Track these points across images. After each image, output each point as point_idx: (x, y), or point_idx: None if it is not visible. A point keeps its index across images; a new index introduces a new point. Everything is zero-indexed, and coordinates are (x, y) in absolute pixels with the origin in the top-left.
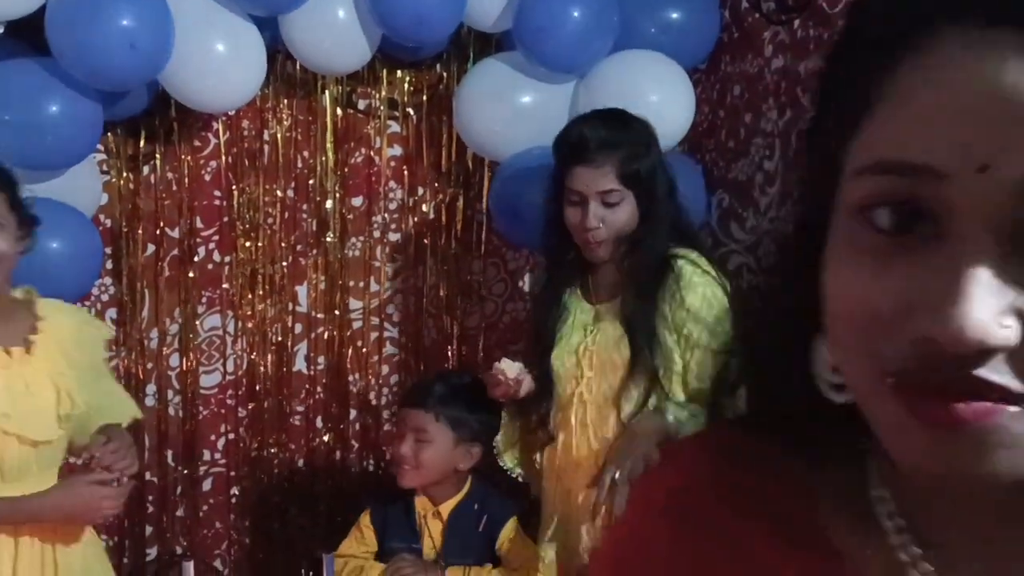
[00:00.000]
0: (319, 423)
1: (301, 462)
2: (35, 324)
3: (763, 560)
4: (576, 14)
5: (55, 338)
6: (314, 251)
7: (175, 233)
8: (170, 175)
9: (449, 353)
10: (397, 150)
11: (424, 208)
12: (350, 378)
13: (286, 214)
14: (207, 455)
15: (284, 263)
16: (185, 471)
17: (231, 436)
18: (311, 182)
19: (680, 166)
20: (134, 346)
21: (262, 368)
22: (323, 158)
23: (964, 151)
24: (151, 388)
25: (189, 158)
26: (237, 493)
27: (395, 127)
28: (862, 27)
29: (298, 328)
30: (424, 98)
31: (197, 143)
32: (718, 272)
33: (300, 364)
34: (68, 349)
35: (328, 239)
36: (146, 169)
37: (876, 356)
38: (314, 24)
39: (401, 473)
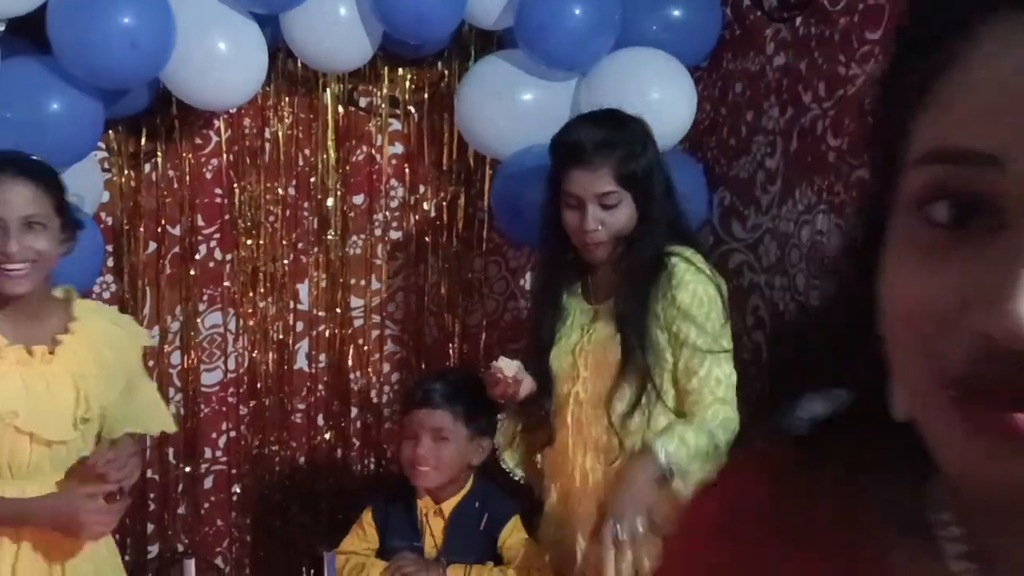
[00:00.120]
0: (320, 421)
1: (302, 460)
2: (68, 324)
3: None
4: (578, 11)
5: (86, 339)
6: (315, 249)
7: (176, 231)
8: (171, 173)
9: (450, 351)
10: (398, 148)
11: (425, 206)
12: (351, 376)
13: (287, 212)
14: (208, 453)
15: (285, 261)
16: (186, 469)
17: (232, 434)
18: (312, 180)
19: (681, 164)
20: None
21: (263, 366)
22: (324, 156)
23: (1022, 139)
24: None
25: (190, 156)
26: (238, 491)
27: (396, 125)
28: (922, 16)
29: (299, 326)
30: (425, 96)
31: (198, 141)
32: (713, 271)
33: (301, 362)
34: (99, 351)
35: (329, 237)
36: (147, 167)
37: (934, 356)
38: (315, 22)
39: (419, 475)
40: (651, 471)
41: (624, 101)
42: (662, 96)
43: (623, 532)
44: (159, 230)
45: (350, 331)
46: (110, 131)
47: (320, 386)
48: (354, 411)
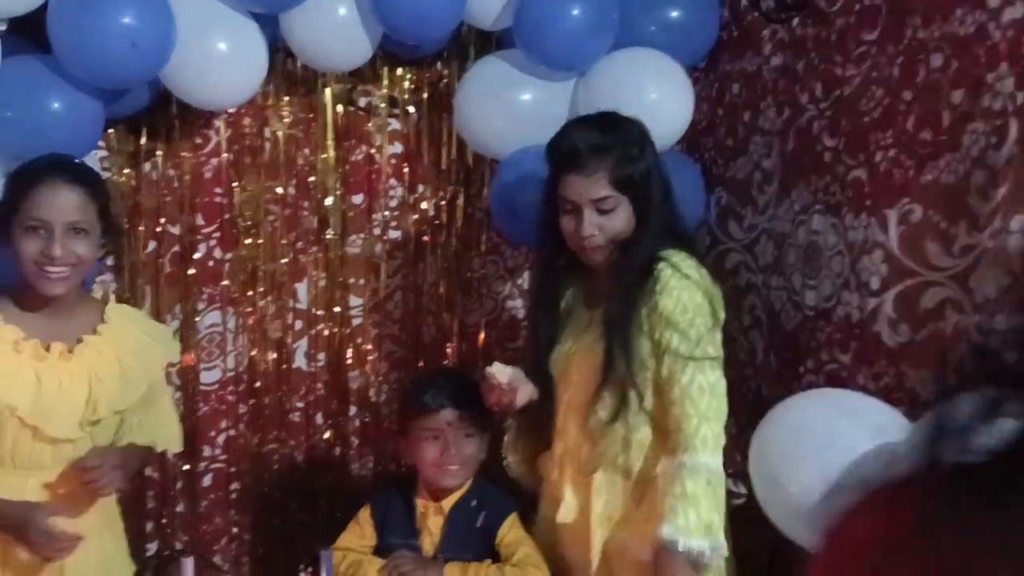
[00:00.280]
0: (319, 420)
1: (301, 458)
2: (96, 326)
3: None
4: (576, 12)
5: (111, 342)
6: (314, 248)
7: (176, 230)
8: (171, 172)
9: (449, 350)
10: (398, 147)
11: (424, 206)
12: (350, 375)
13: (286, 211)
14: (207, 451)
15: (284, 260)
16: (185, 467)
17: (231, 432)
18: (312, 179)
19: (679, 164)
20: None
21: (262, 365)
22: (324, 155)
23: None
24: None
25: (190, 155)
26: (237, 489)
27: (395, 124)
28: None
29: (298, 325)
30: (424, 96)
31: (198, 140)
32: (704, 275)
33: (300, 361)
34: (123, 356)
35: (328, 236)
36: (147, 166)
37: None
38: (315, 22)
39: (448, 474)
40: (681, 562)
41: (622, 101)
42: (660, 96)
43: None
44: (159, 229)
45: (349, 330)
46: (110, 130)
47: (319, 385)
48: (353, 410)
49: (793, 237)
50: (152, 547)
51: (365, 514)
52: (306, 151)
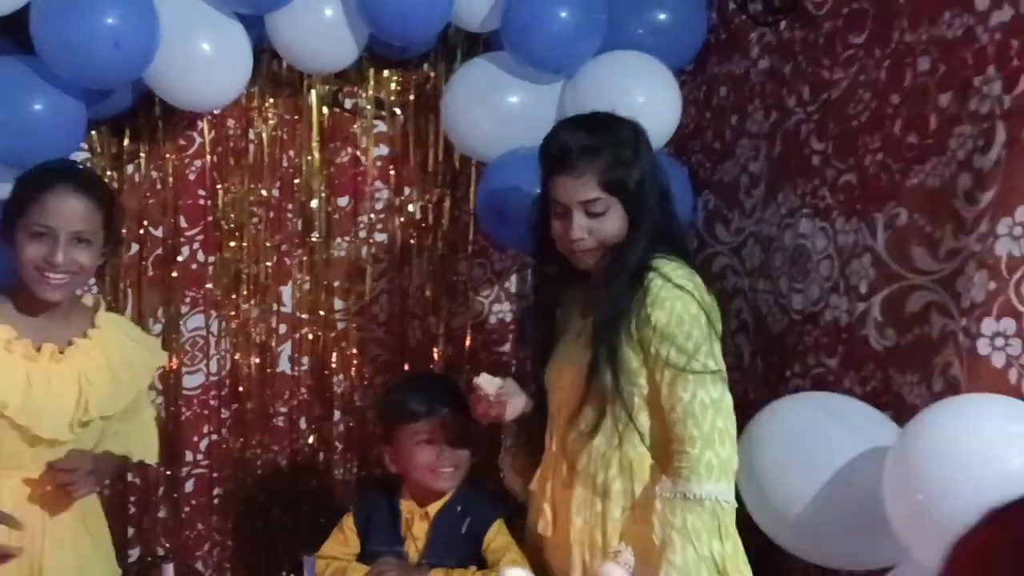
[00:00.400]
0: (303, 424)
1: (284, 463)
2: (87, 331)
3: None
4: (563, 14)
5: (101, 348)
6: (299, 251)
7: (159, 232)
8: (154, 174)
9: (435, 354)
10: (383, 150)
11: (410, 208)
12: (334, 379)
13: (271, 214)
14: (190, 456)
15: (268, 263)
16: (167, 472)
17: (214, 437)
18: (296, 181)
19: (666, 167)
20: None
21: (246, 369)
22: (309, 157)
23: None
24: None
25: (174, 157)
26: (220, 494)
27: (382, 127)
28: None
29: (282, 328)
30: (411, 98)
31: (182, 142)
32: (698, 285)
33: (284, 365)
34: (112, 362)
35: (313, 239)
36: (130, 168)
37: None
38: (300, 23)
39: (443, 476)
40: None
41: (609, 104)
42: (647, 99)
43: None
44: (141, 231)
45: (333, 334)
46: (93, 132)
47: (303, 389)
48: (337, 414)
49: (780, 240)
50: (134, 553)
51: (348, 521)
52: (291, 153)
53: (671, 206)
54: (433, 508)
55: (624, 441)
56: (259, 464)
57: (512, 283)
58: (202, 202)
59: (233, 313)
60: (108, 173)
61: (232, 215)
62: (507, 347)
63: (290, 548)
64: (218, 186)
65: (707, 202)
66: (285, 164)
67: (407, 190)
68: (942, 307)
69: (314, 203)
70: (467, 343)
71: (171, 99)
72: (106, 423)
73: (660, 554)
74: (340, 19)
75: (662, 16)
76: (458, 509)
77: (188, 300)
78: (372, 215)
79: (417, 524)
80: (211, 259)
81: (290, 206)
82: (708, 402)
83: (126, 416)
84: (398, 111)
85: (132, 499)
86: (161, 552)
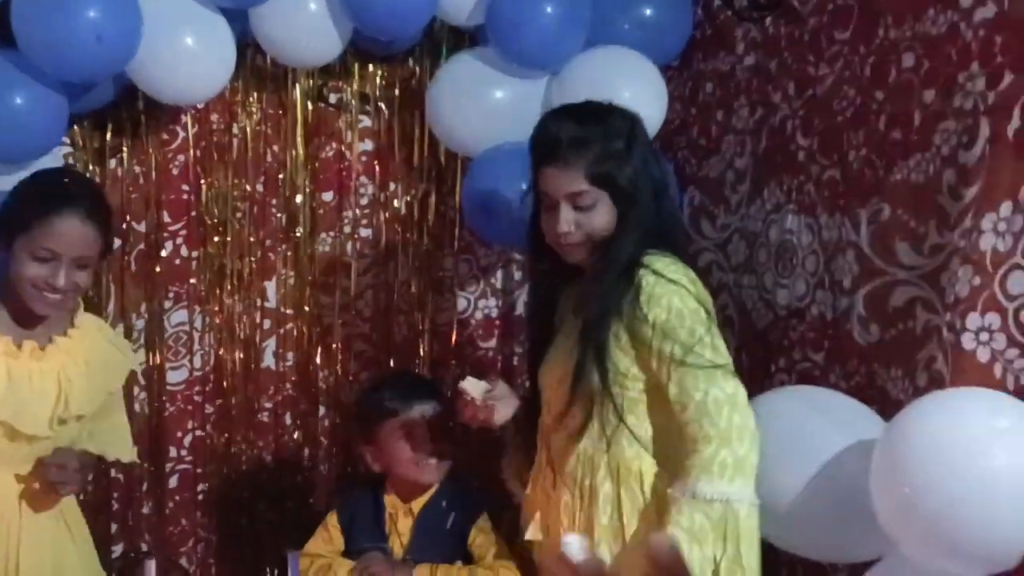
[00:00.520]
0: (287, 420)
1: (269, 459)
2: (67, 330)
3: None
4: (549, 9)
5: (80, 348)
6: (283, 246)
7: (142, 227)
8: (137, 169)
9: (420, 350)
10: (368, 145)
11: (396, 203)
12: (319, 375)
13: (255, 209)
14: (173, 452)
15: (253, 258)
16: (151, 468)
17: (198, 432)
18: (281, 176)
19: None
20: None
21: (230, 364)
22: (293, 152)
23: None
24: None
25: (156, 151)
26: (204, 490)
27: (367, 122)
28: None
29: (267, 324)
30: (396, 92)
31: (165, 136)
32: (693, 280)
33: (269, 360)
34: (90, 362)
35: (298, 234)
36: (113, 162)
37: None
38: (285, 17)
39: (427, 469)
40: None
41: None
42: (633, 95)
43: None
44: (124, 226)
45: (318, 329)
46: (75, 126)
47: (287, 385)
48: (322, 410)
49: (765, 236)
50: (118, 549)
51: (332, 519)
52: (275, 148)
53: (667, 201)
54: (417, 504)
55: (613, 444)
56: (243, 460)
57: (498, 279)
58: (185, 197)
59: (217, 308)
60: (90, 168)
61: (216, 210)
62: (493, 343)
63: (275, 544)
64: (202, 181)
65: (693, 198)
66: (269, 159)
67: (392, 185)
68: (927, 302)
69: (298, 198)
70: (453, 339)
71: (154, 93)
72: (81, 424)
73: None
74: (324, 13)
75: (648, 12)
76: (443, 505)
77: (172, 295)
78: (357, 210)
79: (402, 520)
80: (195, 254)
81: (274, 201)
82: (723, 398)
83: (99, 416)
84: (383, 106)
85: (115, 495)
86: (145, 548)
